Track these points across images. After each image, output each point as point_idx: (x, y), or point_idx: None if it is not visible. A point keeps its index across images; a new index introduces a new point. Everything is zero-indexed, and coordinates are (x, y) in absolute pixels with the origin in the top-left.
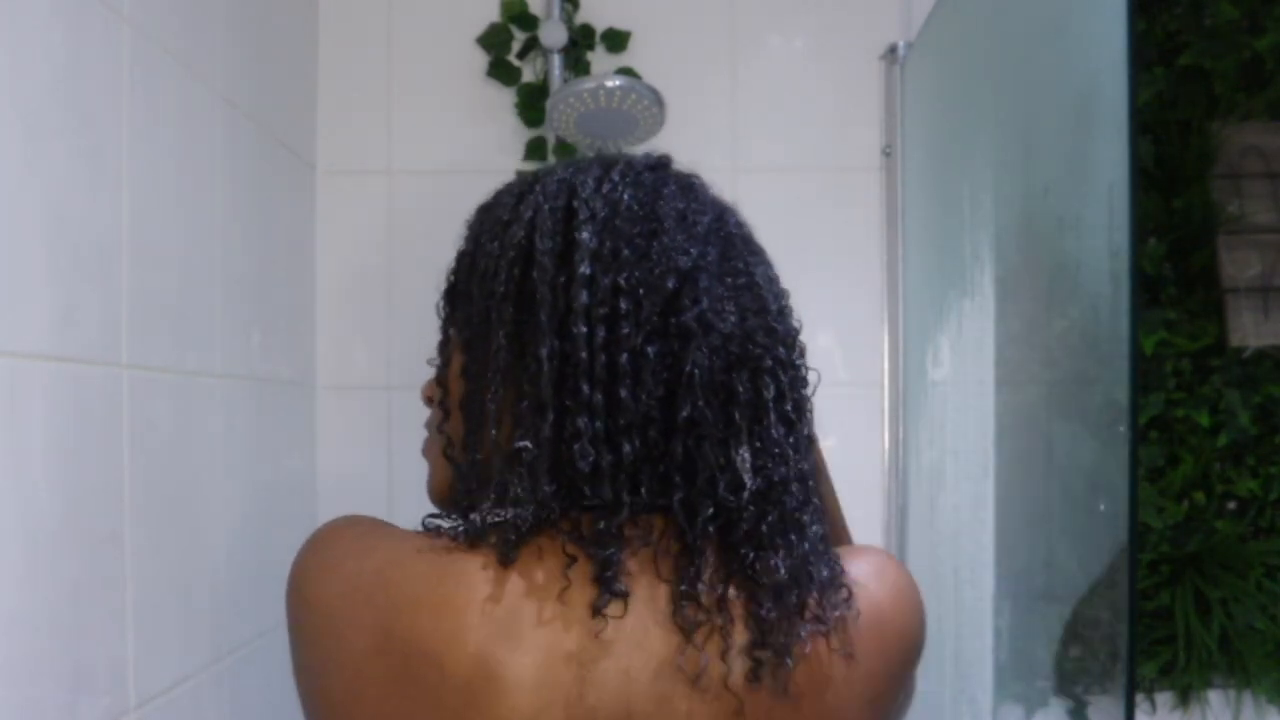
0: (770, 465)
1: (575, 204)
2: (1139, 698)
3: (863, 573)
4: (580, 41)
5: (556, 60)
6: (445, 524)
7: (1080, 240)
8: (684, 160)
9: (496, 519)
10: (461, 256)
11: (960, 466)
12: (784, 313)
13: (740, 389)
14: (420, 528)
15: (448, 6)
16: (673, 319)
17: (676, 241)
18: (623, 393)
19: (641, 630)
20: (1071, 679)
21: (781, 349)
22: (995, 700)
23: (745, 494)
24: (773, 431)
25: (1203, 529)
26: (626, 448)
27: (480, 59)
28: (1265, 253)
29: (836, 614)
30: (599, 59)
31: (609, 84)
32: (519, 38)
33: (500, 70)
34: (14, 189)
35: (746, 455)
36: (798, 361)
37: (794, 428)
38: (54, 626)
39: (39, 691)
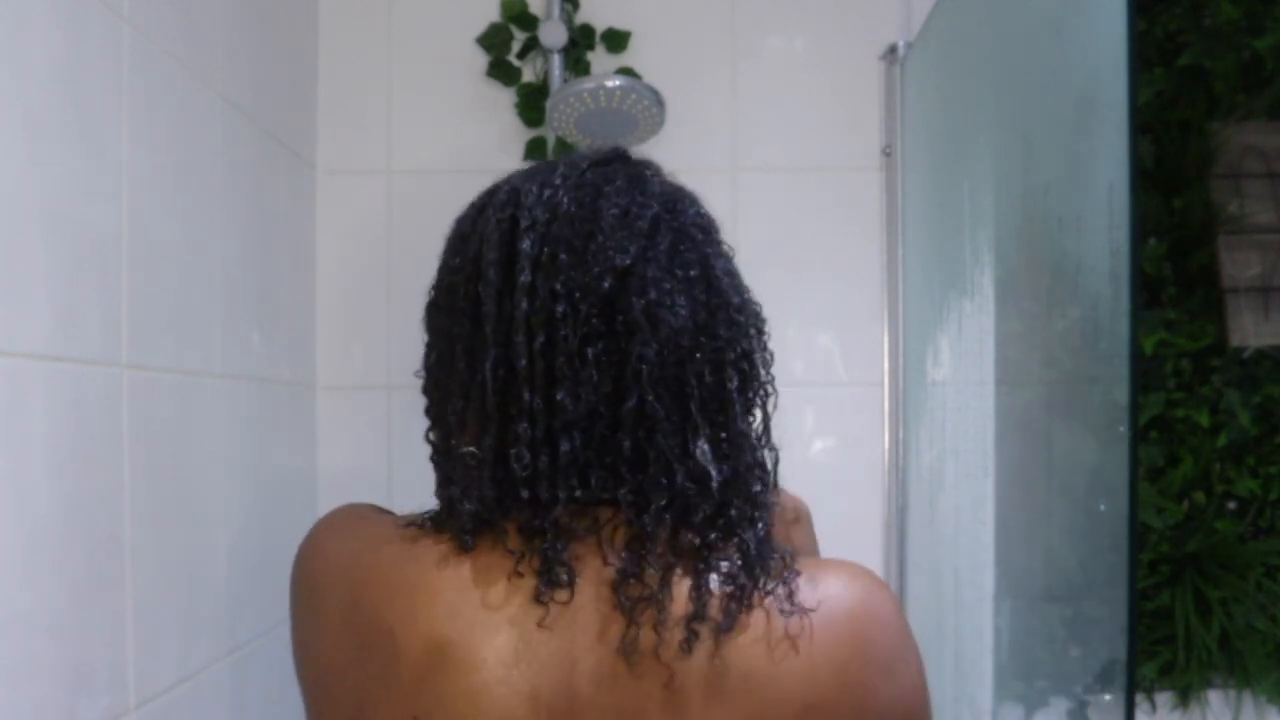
0: (736, 454)
1: (519, 214)
2: (1139, 698)
3: (834, 576)
4: (580, 41)
5: (556, 60)
6: (419, 515)
7: (1080, 240)
8: (684, 160)
9: (451, 508)
10: (438, 270)
11: (960, 466)
12: (745, 306)
13: (694, 381)
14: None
15: (448, 6)
16: (619, 316)
17: (615, 240)
18: (559, 395)
19: (586, 611)
20: (1071, 679)
21: (745, 341)
22: (995, 700)
23: (714, 484)
24: (738, 423)
25: (1203, 529)
26: (565, 445)
27: (480, 59)
28: (1265, 253)
29: (785, 594)
30: (599, 59)
31: (609, 84)
32: (519, 38)
33: (500, 70)
34: (14, 189)
35: (706, 448)
36: (758, 353)
37: (755, 417)
38: (54, 626)
39: (39, 691)
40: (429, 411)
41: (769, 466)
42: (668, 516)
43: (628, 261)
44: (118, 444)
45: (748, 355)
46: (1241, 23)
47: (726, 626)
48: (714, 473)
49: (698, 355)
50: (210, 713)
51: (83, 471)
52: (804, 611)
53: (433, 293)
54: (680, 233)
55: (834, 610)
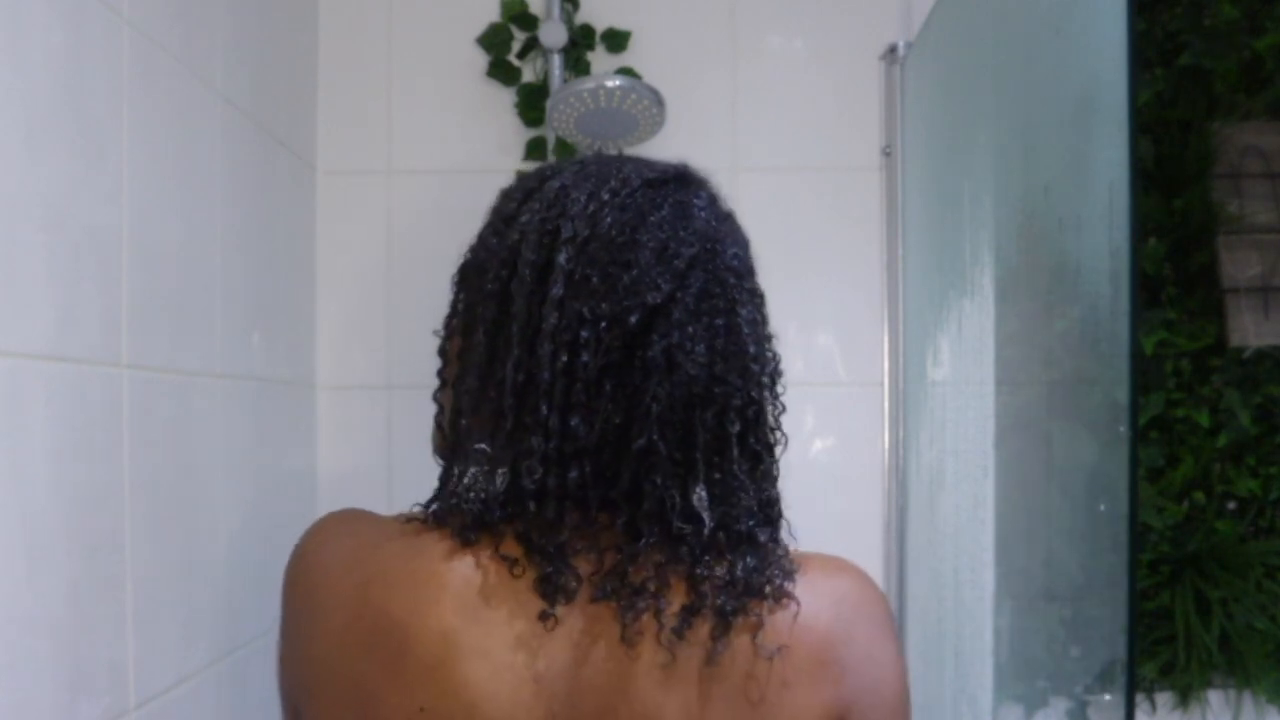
0: (730, 498)
1: (562, 221)
2: (1139, 698)
3: (820, 567)
4: (580, 41)
5: (556, 60)
6: (418, 510)
7: (1080, 240)
8: (683, 160)
9: (455, 502)
10: (478, 237)
11: (960, 466)
12: (763, 357)
13: (700, 427)
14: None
15: (448, 6)
16: (639, 353)
17: (649, 276)
18: (574, 420)
19: (587, 603)
20: (1071, 679)
21: (755, 389)
22: (995, 700)
23: (705, 530)
24: (735, 466)
25: (1203, 529)
26: (574, 473)
27: (480, 59)
28: (1265, 253)
29: (777, 584)
30: (599, 59)
31: (609, 84)
32: (519, 38)
33: (500, 70)
34: (14, 189)
35: (704, 494)
36: (771, 400)
37: (760, 461)
38: (54, 627)
39: (39, 691)
40: (441, 373)
41: (772, 512)
42: (658, 547)
43: (658, 300)
44: (118, 444)
45: (755, 403)
46: (1241, 23)
47: (724, 612)
48: (707, 520)
49: (707, 402)
50: (210, 713)
51: (83, 471)
52: (795, 599)
53: (469, 255)
54: (714, 276)
55: (822, 596)
